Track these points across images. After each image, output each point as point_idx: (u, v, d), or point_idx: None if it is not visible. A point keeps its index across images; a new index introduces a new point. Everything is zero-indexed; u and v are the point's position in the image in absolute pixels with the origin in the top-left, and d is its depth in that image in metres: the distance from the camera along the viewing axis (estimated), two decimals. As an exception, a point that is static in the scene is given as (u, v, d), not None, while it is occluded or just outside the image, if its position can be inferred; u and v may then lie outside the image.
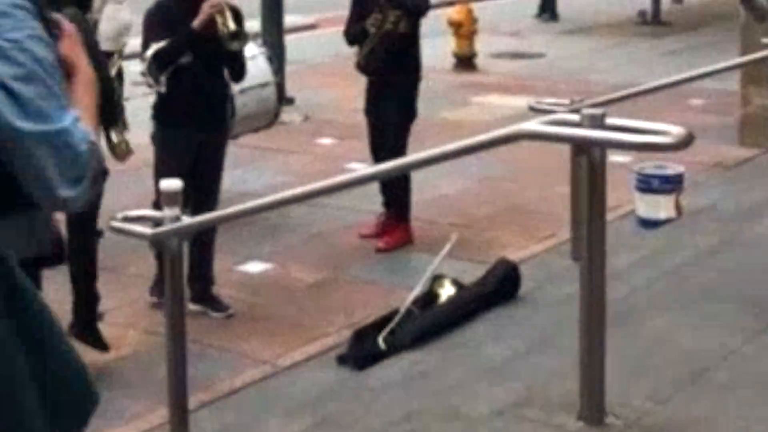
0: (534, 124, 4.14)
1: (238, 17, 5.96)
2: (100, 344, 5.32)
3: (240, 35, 5.89)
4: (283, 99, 8.14)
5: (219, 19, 5.80)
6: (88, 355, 5.29)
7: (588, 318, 3.96)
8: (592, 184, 3.89)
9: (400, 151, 6.51)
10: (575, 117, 3.92)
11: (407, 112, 6.89)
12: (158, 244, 4.51)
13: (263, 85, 7.62)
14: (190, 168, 5.82)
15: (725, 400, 4.23)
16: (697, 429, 4.06)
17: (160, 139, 6.04)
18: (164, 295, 5.86)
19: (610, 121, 3.77)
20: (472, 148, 4.40)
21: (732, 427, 4.01)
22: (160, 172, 5.65)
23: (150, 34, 5.87)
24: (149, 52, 5.79)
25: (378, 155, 6.72)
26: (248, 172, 8.50)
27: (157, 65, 5.80)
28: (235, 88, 7.25)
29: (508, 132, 4.10)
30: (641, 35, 14.60)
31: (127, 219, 4.64)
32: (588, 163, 3.86)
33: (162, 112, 6.00)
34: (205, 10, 5.78)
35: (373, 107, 6.97)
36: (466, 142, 4.33)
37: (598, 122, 3.75)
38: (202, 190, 5.85)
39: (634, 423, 4.04)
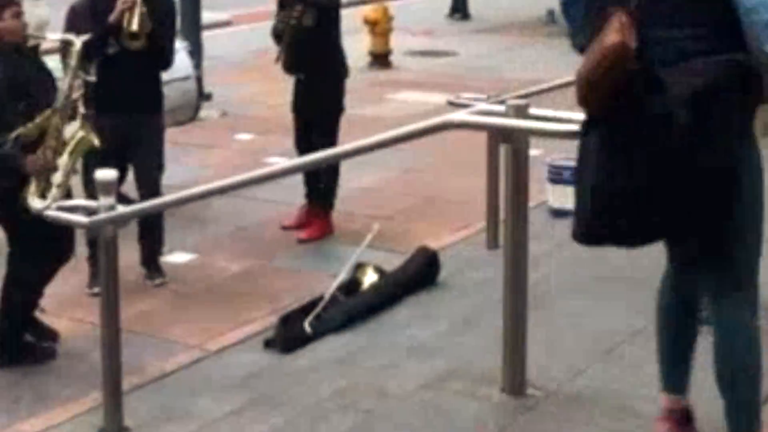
0: (462, 114, 4.39)
1: (166, 12, 6.22)
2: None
3: (138, 37, 6.07)
4: (202, 94, 8.24)
5: (126, 17, 6.04)
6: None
7: (512, 299, 4.22)
8: (516, 172, 4.14)
9: (331, 146, 6.66)
10: (500, 108, 4.17)
11: (334, 108, 7.04)
12: (94, 232, 4.63)
13: (185, 78, 7.72)
14: (121, 153, 6.13)
15: (634, 374, 4.52)
16: (609, 398, 4.34)
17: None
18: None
19: (532, 112, 4.03)
20: (401, 138, 4.61)
21: (641, 397, 4.29)
22: (91, 158, 5.88)
23: (78, 25, 6.03)
24: (77, 44, 5.90)
25: (304, 150, 6.87)
26: (168, 167, 8.53)
27: (86, 56, 5.94)
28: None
29: (436, 122, 4.33)
30: (551, 34, 14.93)
31: (62, 208, 4.78)
32: (512, 151, 4.10)
33: (91, 99, 6.13)
34: (117, 5, 6.04)
35: (300, 105, 7.11)
36: (395, 132, 4.54)
37: (522, 112, 4.00)
38: (142, 174, 6.27)
39: (553, 393, 4.31)
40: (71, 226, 5.01)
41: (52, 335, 5.53)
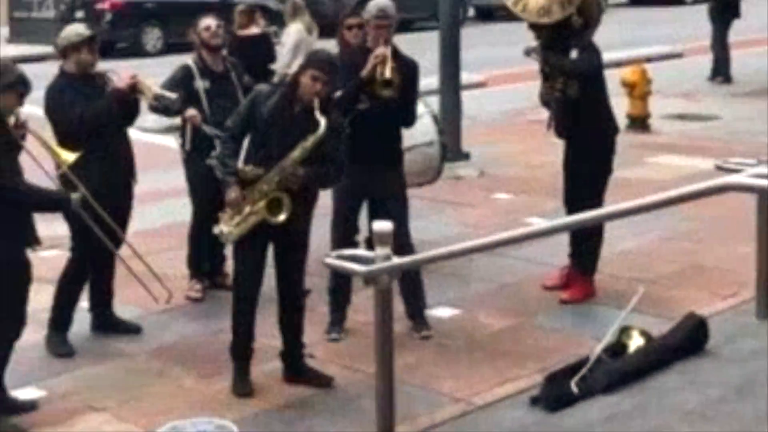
0: (741, 177, 4.30)
1: (412, 73, 6.40)
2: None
3: (392, 84, 6.23)
4: (445, 157, 8.26)
5: (379, 68, 6.22)
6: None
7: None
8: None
9: (596, 206, 6.61)
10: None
11: (602, 169, 7.01)
12: (370, 281, 4.77)
13: (429, 144, 7.73)
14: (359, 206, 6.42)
15: None
16: None
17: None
18: (341, 330, 6.30)
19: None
20: (674, 201, 4.55)
21: None
22: (339, 206, 6.40)
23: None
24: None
25: (571, 210, 6.85)
26: (428, 222, 8.77)
27: (339, 110, 6.18)
28: (403, 145, 7.49)
29: (714, 184, 4.26)
30: (820, 100, 14.39)
31: (341, 257, 4.97)
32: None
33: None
34: (370, 60, 6.23)
35: (570, 164, 7.11)
36: (669, 194, 4.49)
37: (807, 176, 3.89)
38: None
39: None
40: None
41: (326, 381, 5.73)
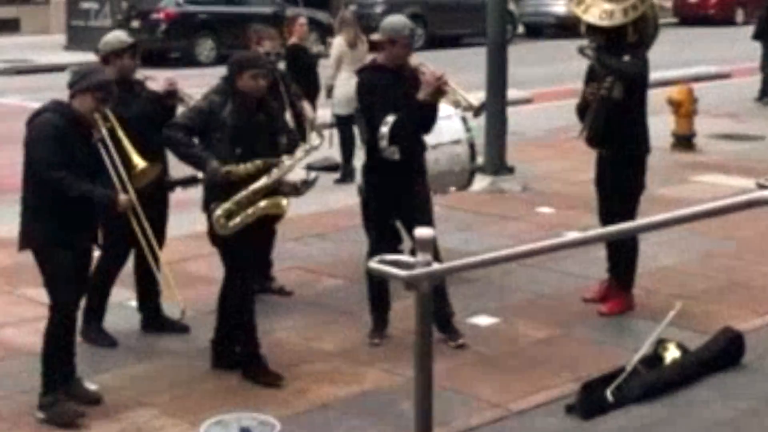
0: (779, 192, 4.36)
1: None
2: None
3: (482, 109, 6.32)
4: (475, 158, 8.28)
5: (448, 89, 6.29)
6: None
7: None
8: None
9: (629, 221, 6.67)
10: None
11: (635, 185, 7.07)
12: (411, 287, 4.90)
13: (455, 142, 7.81)
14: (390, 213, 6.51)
15: None
16: None
17: (372, 186, 6.58)
18: (383, 335, 6.45)
19: None
20: (709, 213, 4.61)
21: None
22: (372, 218, 6.54)
23: (372, 103, 6.39)
24: (385, 128, 6.24)
25: (606, 224, 6.93)
26: (471, 234, 8.91)
27: (392, 135, 6.27)
28: (429, 143, 7.57)
29: (749, 198, 4.33)
30: None
31: (383, 262, 5.11)
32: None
33: (372, 166, 6.52)
34: (430, 81, 6.23)
35: (603, 180, 7.19)
36: (703, 207, 4.55)
37: None
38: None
39: None
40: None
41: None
